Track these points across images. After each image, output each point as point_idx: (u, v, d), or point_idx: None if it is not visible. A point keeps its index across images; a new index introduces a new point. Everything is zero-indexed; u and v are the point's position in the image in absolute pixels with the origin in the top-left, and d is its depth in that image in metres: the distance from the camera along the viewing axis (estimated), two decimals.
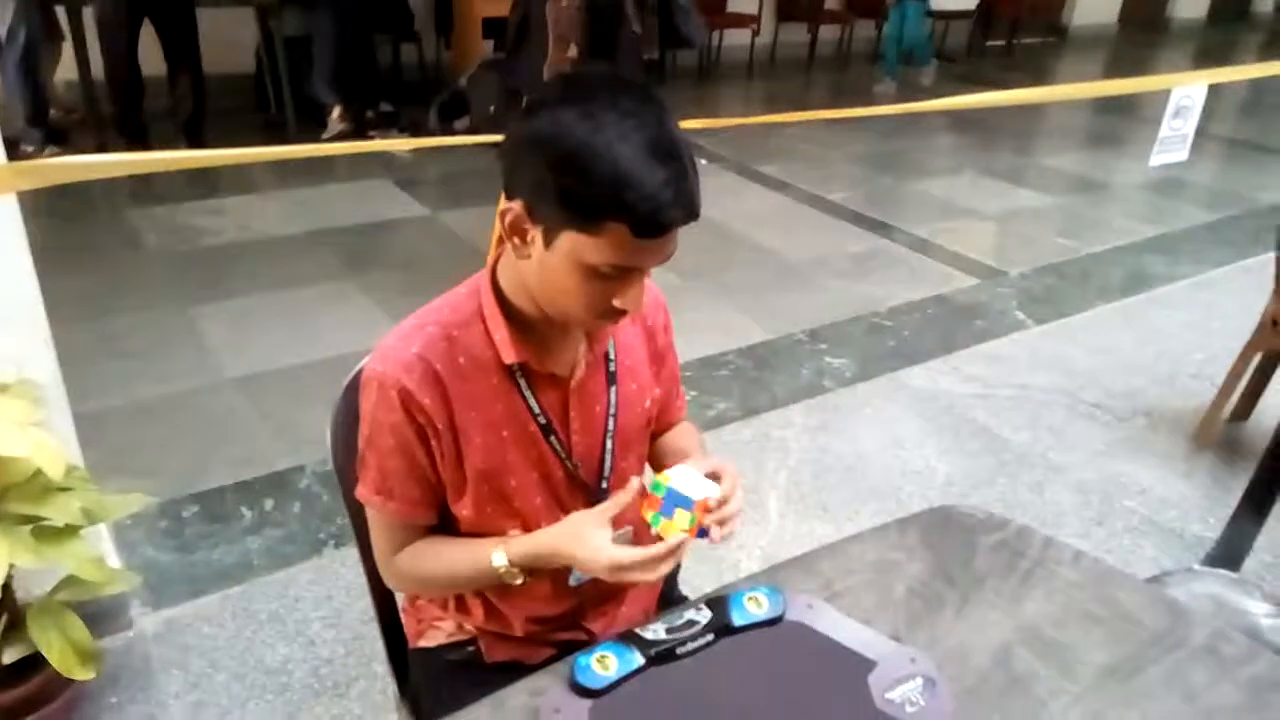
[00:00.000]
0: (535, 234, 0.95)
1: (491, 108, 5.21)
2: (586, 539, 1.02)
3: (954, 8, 8.29)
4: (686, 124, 2.90)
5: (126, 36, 4.63)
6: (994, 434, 2.86)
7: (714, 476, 1.07)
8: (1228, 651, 1.09)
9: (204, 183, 4.68)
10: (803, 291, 3.80)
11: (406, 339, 1.03)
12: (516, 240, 0.97)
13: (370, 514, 1.11)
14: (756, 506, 2.47)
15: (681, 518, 1.02)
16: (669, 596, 1.36)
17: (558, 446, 1.09)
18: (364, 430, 1.06)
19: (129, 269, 3.70)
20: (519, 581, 1.07)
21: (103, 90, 4.88)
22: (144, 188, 4.54)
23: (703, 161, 5.13)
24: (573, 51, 2.95)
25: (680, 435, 1.29)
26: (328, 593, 2.12)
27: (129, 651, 1.94)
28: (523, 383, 1.06)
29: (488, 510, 1.09)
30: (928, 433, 2.85)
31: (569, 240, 0.92)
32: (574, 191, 0.89)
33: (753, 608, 1.10)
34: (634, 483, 1.04)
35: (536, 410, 1.07)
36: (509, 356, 1.03)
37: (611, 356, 1.13)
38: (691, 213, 0.93)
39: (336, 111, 5.25)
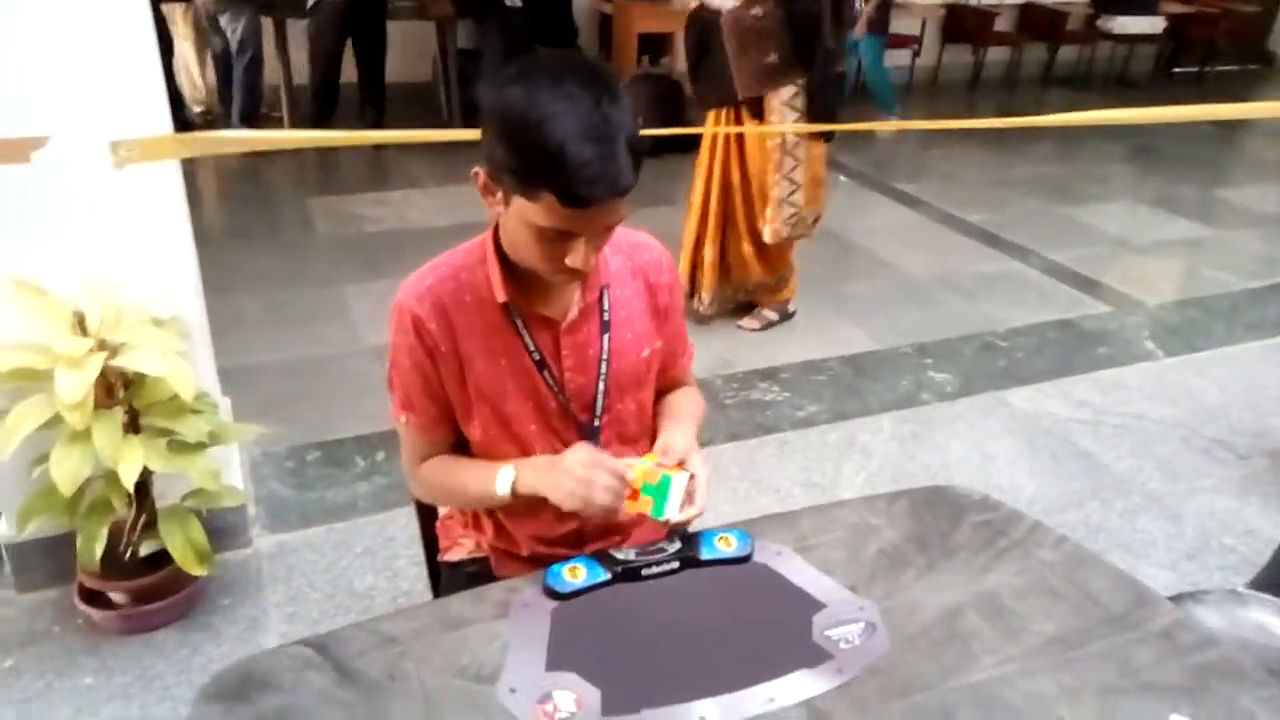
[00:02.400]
0: (499, 194, 1.10)
1: (639, 117, 5.44)
2: (575, 448, 1.19)
3: (1137, 30, 7.90)
4: (805, 128, 2.94)
5: (334, 49, 5.17)
6: (1094, 460, 2.79)
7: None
8: (1183, 639, 1.11)
9: (376, 177, 5.15)
10: (919, 307, 3.79)
11: (423, 275, 1.22)
12: (488, 199, 1.12)
13: (400, 431, 1.30)
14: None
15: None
16: None
17: (550, 381, 1.24)
18: (390, 354, 1.25)
19: (300, 249, 4.15)
20: (504, 490, 1.22)
21: (300, 93, 5.47)
22: (323, 179, 5.06)
23: (840, 178, 5.20)
24: (772, 57, 3.04)
25: (685, 400, 1.40)
26: (416, 535, 2.34)
27: (245, 565, 2.24)
28: (518, 321, 1.21)
29: (491, 432, 1.25)
30: (1021, 452, 2.81)
31: (517, 203, 1.07)
32: (513, 162, 1.04)
33: (722, 546, 1.21)
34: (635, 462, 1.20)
35: (531, 346, 1.22)
36: (500, 295, 1.19)
37: (605, 307, 1.26)
38: (615, 190, 1.03)
39: None
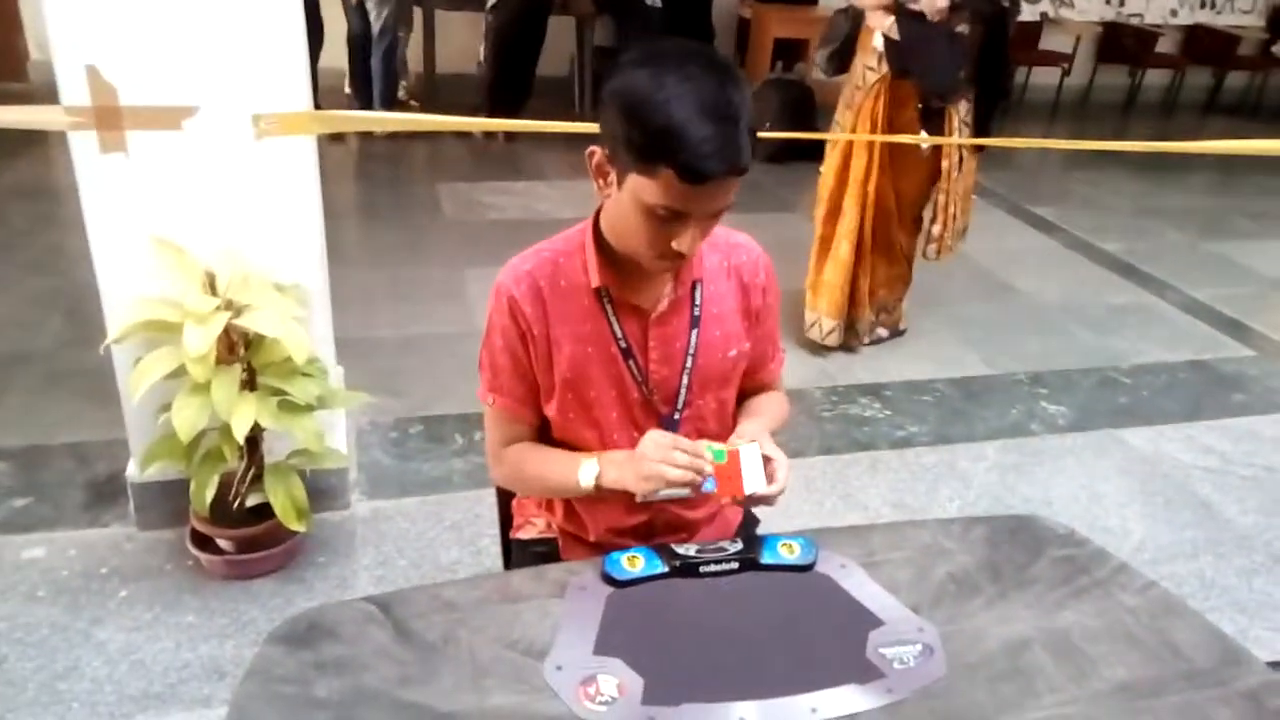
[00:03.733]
0: (613, 175, 1.12)
1: (768, 123, 5.43)
2: (651, 433, 1.20)
3: None
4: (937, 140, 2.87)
5: (529, 39, 5.41)
6: (1214, 510, 2.61)
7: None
8: (1274, 704, 1.03)
9: (505, 168, 5.30)
10: (1039, 334, 3.63)
11: (524, 259, 1.25)
12: (600, 181, 1.15)
13: (485, 412, 1.34)
14: None
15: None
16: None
17: (635, 370, 1.26)
18: (485, 333, 1.29)
19: (426, 231, 4.32)
20: (589, 483, 1.24)
21: (440, 81, 5.67)
22: (454, 166, 5.25)
23: (971, 196, 5.03)
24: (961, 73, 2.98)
25: (768, 402, 1.40)
26: None
27: (341, 526, 2.34)
28: (609, 308, 1.23)
29: (570, 415, 1.28)
30: (1134, 495, 2.66)
31: (632, 181, 1.08)
32: (634, 138, 1.06)
33: (784, 552, 1.20)
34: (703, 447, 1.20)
35: (619, 334, 1.24)
36: (595, 280, 1.21)
37: (697, 301, 1.27)
38: (734, 168, 1.05)
39: None
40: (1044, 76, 7.10)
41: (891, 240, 3.24)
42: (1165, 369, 3.40)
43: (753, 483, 1.18)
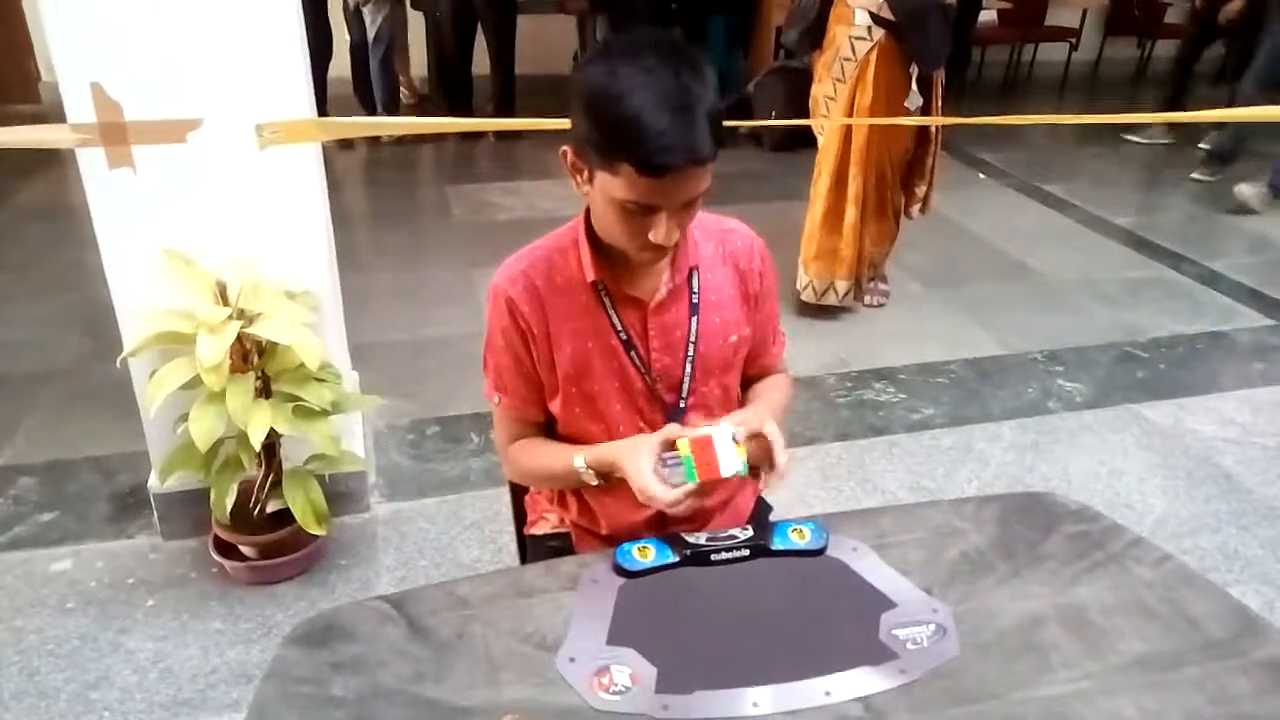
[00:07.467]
0: (585, 173, 1.12)
1: (774, 112, 5.41)
2: (636, 456, 1.18)
3: None
4: (939, 120, 2.98)
5: (458, 39, 5.34)
6: (1237, 482, 2.59)
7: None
8: None
9: (511, 167, 5.30)
10: (1053, 312, 3.60)
11: (519, 259, 1.26)
12: (576, 179, 1.15)
13: (493, 411, 1.36)
14: None
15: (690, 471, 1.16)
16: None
17: (637, 361, 1.26)
18: (486, 335, 1.30)
19: (435, 233, 4.34)
20: (594, 482, 1.25)
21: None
22: (462, 168, 5.26)
23: (980, 176, 5.01)
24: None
25: (771, 387, 1.40)
26: None
27: (362, 528, 2.36)
28: (606, 301, 1.24)
29: (575, 410, 1.29)
30: (1154, 469, 2.64)
31: (600, 178, 1.09)
32: (594, 136, 1.06)
33: (795, 538, 1.20)
34: (674, 428, 1.19)
35: (618, 326, 1.24)
36: (590, 274, 1.22)
37: (695, 288, 1.27)
38: (693, 158, 1.04)
39: None
40: (1051, 52, 7.02)
41: (884, 200, 3.34)
42: (1183, 341, 3.36)
43: (729, 465, 1.15)
